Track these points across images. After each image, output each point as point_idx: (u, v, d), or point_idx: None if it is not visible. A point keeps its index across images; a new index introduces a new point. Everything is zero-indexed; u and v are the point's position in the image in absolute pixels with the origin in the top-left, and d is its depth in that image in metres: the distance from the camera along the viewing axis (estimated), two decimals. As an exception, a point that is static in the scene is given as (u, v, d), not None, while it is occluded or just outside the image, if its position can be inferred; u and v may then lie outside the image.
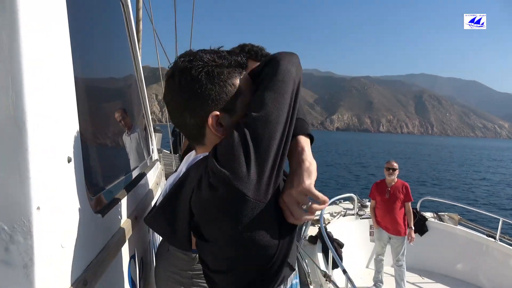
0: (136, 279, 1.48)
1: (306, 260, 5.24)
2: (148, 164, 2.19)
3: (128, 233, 1.32)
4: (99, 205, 1.12)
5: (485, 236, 6.18)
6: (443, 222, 6.80)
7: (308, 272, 4.80)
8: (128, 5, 2.04)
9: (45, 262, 0.76)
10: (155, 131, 6.30)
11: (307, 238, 6.03)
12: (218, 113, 0.98)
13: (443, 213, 7.06)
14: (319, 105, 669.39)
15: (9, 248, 0.72)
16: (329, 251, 4.58)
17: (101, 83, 1.47)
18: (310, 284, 4.73)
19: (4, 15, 0.71)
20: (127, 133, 1.88)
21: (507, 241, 5.96)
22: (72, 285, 0.85)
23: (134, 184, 1.58)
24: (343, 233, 6.30)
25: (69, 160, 0.88)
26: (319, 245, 5.61)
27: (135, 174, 1.72)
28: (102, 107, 1.46)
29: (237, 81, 1.01)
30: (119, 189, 1.40)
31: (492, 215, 6.35)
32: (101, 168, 1.28)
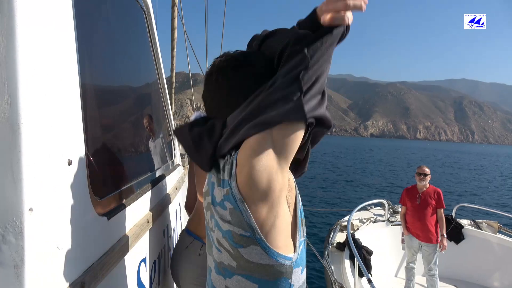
0: (147, 282, 1.49)
1: (333, 267, 5.12)
2: (169, 169, 2.20)
3: (138, 236, 1.33)
4: (106, 208, 1.13)
5: None
6: (481, 230, 6.44)
7: (334, 280, 4.69)
8: (150, 13, 2.09)
9: (37, 263, 0.77)
10: None
11: (334, 244, 5.90)
12: None
13: (481, 221, 6.69)
14: (353, 111, 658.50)
15: (1, 248, 0.73)
16: (355, 259, 4.45)
17: (114, 88, 1.48)
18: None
19: (2, 19, 0.73)
20: (150, 138, 1.91)
21: None
22: (68, 287, 0.85)
23: (148, 188, 1.59)
24: (372, 240, 6.11)
25: (69, 163, 0.89)
26: (346, 252, 5.47)
27: (151, 178, 1.73)
28: (115, 112, 1.47)
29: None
30: (131, 192, 1.41)
31: None
32: (110, 171, 1.30)
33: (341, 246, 5.77)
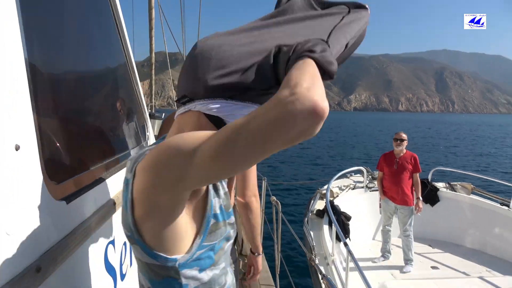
0: (117, 263, 1.48)
1: (312, 234, 5.24)
2: (135, 153, 2.16)
3: (104, 219, 1.30)
4: (65, 193, 1.10)
5: (498, 205, 6.03)
6: (456, 192, 6.65)
7: (313, 245, 4.80)
8: None
9: None
10: (155, 117, 6.28)
11: (314, 212, 6.03)
12: None
13: (455, 183, 6.91)
14: (336, 86, 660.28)
15: None
16: (333, 224, 4.56)
17: (70, 69, 1.42)
18: (316, 257, 4.73)
19: None
20: (118, 119, 1.85)
21: None
22: (20, 273, 0.82)
23: (116, 171, 1.56)
24: (351, 206, 6.26)
25: (17, 148, 0.85)
26: (326, 218, 5.60)
27: (117, 162, 1.69)
28: (74, 94, 1.42)
29: None
30: (95, 175, 1.37)
31: (506, 183, 6.16)
32: (69, 155, 1.25)
33: (320, 213, 5.89)
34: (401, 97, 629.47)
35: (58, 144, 1.15)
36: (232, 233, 1.00)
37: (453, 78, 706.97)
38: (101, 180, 1.38)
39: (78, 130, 1.40)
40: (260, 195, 4.17)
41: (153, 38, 7.23)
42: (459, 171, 7.39)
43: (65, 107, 1.30)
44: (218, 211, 0.94)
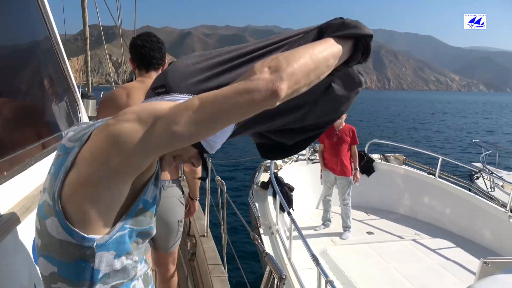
0: None
1: (257, 205, 5.36)
2: None
3: (28, 209, 1.21)
4: None
5: (426, 174, 6.55)
6: (389, 162, 7.12)
7: (258, 216, 4.92)
8: None
9: None
10: (88, 97, 5.89)
11: (259, 184, 6.14)
12: None
13: (389, 154, 7.38)
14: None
15: None
16: (277, 194, 4.69)
17: None
18: (260, 227, 4.85)
19: None
20: (43, 100, 1.71)
21: (445, 177, 6.35)
22: None
23: (40, 158, 1.44)
24: (294, 178, 6.46)
25: None
26: (270, 190, 5.73)
27: (43, 147, 1.57)
28: None
29: None
30: (15, 163, 1.26)
31: (432, 153, 6.71)
32: None
33: (265, 185, 6.02)
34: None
35: None
36: (152, 232, 0.95)
37: (389, 56, 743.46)
38: (24, 167, 1.28)
39: None
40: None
41: (86, 9, 6.71)
42: (392, 143, 7.89)
43: None
44: (150, 200, 0.91)
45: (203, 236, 3.72)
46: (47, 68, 2.00)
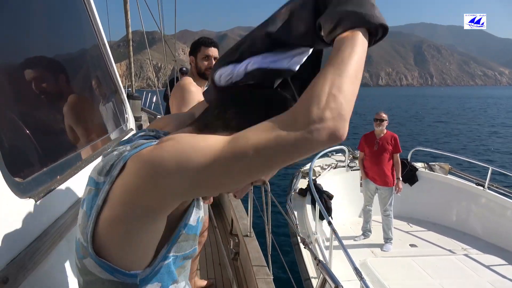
0: None
1: (295, 213, 5.31)
2: (117, 136, 2.06)
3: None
4: (33, 190, 0.98)
5: (474, 185, 6.21)
6: (434, 172, 6.82)
7: (296, 224, 4.87)
8: None
9: None
10: (134, 98, 6.14)
11: (297, 190, 6.10)
12: None
13: (433, 163, 7.08)
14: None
15: None
16: (317, 203, 4.62)
17: (20, 51, 1.26)
18: (299, 235, 4.81)
19: None
20: (93, 103, 1.77)
21: (495, 189, 6.00)
22: None
23: (90, 160, 1.43)
24: (333, 185, 6.36)
25: None
26: (308, 197, 5.68)
27: (93, 149, 1.58)
28: (36, 81, 1.27)
29: None
30: (68, 166, 1.26)
31: (482, 164, 6.35)
32: (35, 148, 1.13)
33: (303, 192, 5.97)
34: (381, 71, 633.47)
35: (20, 135, 1.05)
36: (195, 252, 0.92)
37: (431, 51, 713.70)
38: (76, 170, 1.27)
39: (45, 119, 1.29)
40: None
41: (128, 13, 6.92)
42: (437, 151, 7.57)
43: (24, 93, 1.17)
44: (193, 223, 0.87)
45: (247, 236, 3.67)
46: (96, 72, 2.06)
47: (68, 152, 1.32)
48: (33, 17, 1.33)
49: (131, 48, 7.85)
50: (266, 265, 3.15)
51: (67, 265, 1.11)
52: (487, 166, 5.95)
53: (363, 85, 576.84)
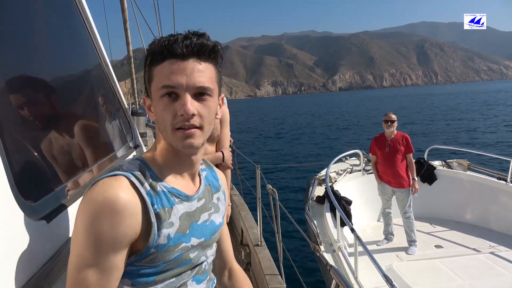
0: None
1: (315, 221, 5.21)
2: (123, 153, 2.07)
3: None
4: (44, 211, 1.01)
5: (495, 179, 6.07)
6: (452, 169, 6.69)
7: (317, 233, 4.78)
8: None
9: None
10: (138, 114, 6.18)
11: (314, 198, 6.00)
12: (144, 95, 0.96)
13: (451, 160, 6.95)
14: (319, 67, 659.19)
15: None
16: (337, 210, 4.53)
17: (27, 75, 1.29)
18: (320, 244, 4.71)
19: None
20: (99, 122, 1.76)
21: None
22: None
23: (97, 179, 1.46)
24: (351, 190, 6.27)
25: None
26: (326, 204, 5.59)
27: (99, 169, 1.60)
28: (43, 102, 1.31)
29: (155, 67, 0.88)
30: (78, 186, 1.29)
31: (502, 157, 6.20)
32: (44, 170, 1.16)
33: (320, 199, 5.88)
34: (385, 73, 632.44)
35: (29, 158, 1.07)
36: (203, 258, 1.00)
37: (434, 49, 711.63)
38: (84, 189, 1.29)
39: (53, 141, 1.30)
40: (255, 184, 4.15)
41: (128, 31, 7.07)
42: (454, 148, 7.44)
43: (31, 116, 1.19)
44: (165, 241, 0.87)
45: (257, 245, 3.62)
46: (100, 91, 2.09)
47: (77, 172, 1.35)
48: (39, 41, 1.38)
49: (132, 65, 8.00)
50: (278, 273, 3.10)
51: None
52: (508, 159, 5.81)
53: (367, 87, 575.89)
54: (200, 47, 0.87)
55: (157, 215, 0.86)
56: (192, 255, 0.95)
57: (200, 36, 0.87)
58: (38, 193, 1.03)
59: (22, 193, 0.91)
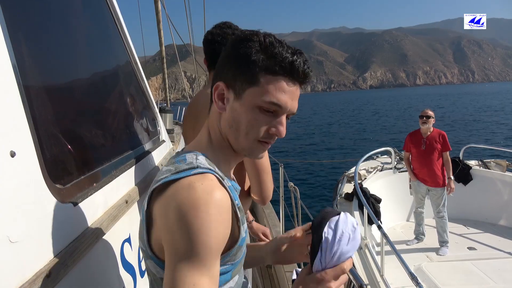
0: (136, 261, 1.48)
1: None
2: (149, 147, 2.16)
3: (115, 218, 1.30)
4: (72, 195, 1.08)
5: None
6: (489, 169, 6.44)
7: None
8: None
9: None
10: (166, 111, 6.36)
11: (343, 195, 5.96)
12: (222, 83, 0.90)
13: (489, 160, 6.68)
14: (350, 64, 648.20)
15: None
16: (364, 207, 4.48)
17: (61, 69, 1.38)
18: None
19: None
20: (125, 116, 1.84)
21: None
22: (29, 280, 0.80)
23: (123, 170, 1.55)
24: (380, 188, 6.17)
25: (12, 155, 0.83)
26: (355, 202, 5.54)
27: (126, 159, 1.68)
28: (74, 93, 1.41)
29: (265, 75, 0.85)
30: (104, 174, 1.36)
31: None
32: (74, 157, 1.24)
33: (349, 197, 5.82)
34: (418, 70, 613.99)
35: (60, 146, 1.15)
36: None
37: (471, 46, 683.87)
38: (110, 178, 1.38)
39: (82, 130, 1.39)
40: (277, 182, 4.18)
41: (162, 32, 7.35)
42: (492, 147, 7.16)
43: (64, 107, 1.28)
44: (244, 235, 0.91)
45: None
46: (129, 88, 2.18)
47: (104, 162, 1.42)
48: (73, 37, 1.48)
49: (165, 65, 8.29)
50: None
51: (102, 265, 1.22)
52: None
53: (400, 85, 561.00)
54: (308, 79, 0.88)
55: (239, 209, 0.88)
56: None
57: (306, 62, 0.87)
58: (67, 178, 1.10)
59: (52, 177, 0.98)
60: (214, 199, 0.76)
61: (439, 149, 5.20)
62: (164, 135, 2.73)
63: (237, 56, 0.86)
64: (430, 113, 5.29)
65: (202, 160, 0.86)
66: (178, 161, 0.86)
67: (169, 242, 0.76)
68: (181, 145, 3.99)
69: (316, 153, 18.86)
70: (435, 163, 5.20)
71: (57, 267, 0.89)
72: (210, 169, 0.83)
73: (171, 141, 3.07)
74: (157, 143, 2.40)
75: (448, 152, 5.25)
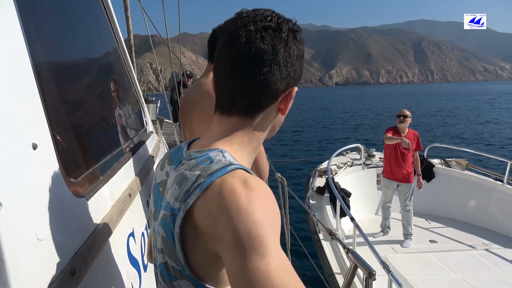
0: (139, 255, 1.46)
1: (315, 211, 5.36)
2: (142, 139, 2.14)
3: (122, 212, 1.28)
4: (83, 189, 1.06)
5: (492, 180, 6.23)
6: (451, 168, 6.85)
7: (316, 222, 4.92)
8: None
9: (18, 259, 0.70)
10: (148, 102, 6.24)
11: (315, 189, 6.14)
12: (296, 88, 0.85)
13: (450, 159, 7.10)
14: (316, 61, 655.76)
15: None
16: (337, 200, 4.66)
17: (70, 61, 1.36)
18: (319, 232, 4.85)
19: None
20: (118, 107, 1.83)
21: None
22: (56, 278, 0.79)
23: (124, 162, 1.53)
24: (350, 183, 6.41)
25: (34, 147, 0.81)
26: (326, 195, 5.71)
27: (125, 151, 1.67)
28: (77, 86, 1.36)
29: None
30: (107, 168, 1.34)
31: (500, 158, 6.37)
32: (82, 149, 1.21)
33: (321, 190, 6.01)
34: (381, 69, 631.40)
35: (70, 140, 1.12)
36: None
37: (431, 48, 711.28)
38: (113, 172, 1.35)
39: (85, 122, 1.36)
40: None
41: (130, 19, 7.04)
42: (454, 147, 7.59)
43: (71, 101, 1.26)
44: None
45: None
46: (122, 79, 2.12)
47: (106, 155, 1.40)
48: (74, 34, 1.44)
49: (133, 54, 7.96)
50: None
51: (114, 259, 1.19)
52: (506, 160, 5.96)
53: (364, 83, 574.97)
54: None
55: None
56: None
57: None
58: (78, 172, 1.08)
59: (66, 170, 0.96)
60: (271, 193, 0.73)
61: (413, 148, 5.45)
62: (150, 126, 2.70)
63: (298, 56, 0.84)
64: (407, 112, 5.51)
65: (231, 158, 0.78)
66: (202, 161, 0.77)
67: (236, 243, 0.64)
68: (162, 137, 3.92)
69: (287, 151, 19.02)
70: (408, 161, 5.47)
71: (79, 264, 0.88)
72: (241, 165, 0.77)
73: (155, 132, 3.04)
74: (146, 134, 2.38)
75: (418, 151, 5.54)
